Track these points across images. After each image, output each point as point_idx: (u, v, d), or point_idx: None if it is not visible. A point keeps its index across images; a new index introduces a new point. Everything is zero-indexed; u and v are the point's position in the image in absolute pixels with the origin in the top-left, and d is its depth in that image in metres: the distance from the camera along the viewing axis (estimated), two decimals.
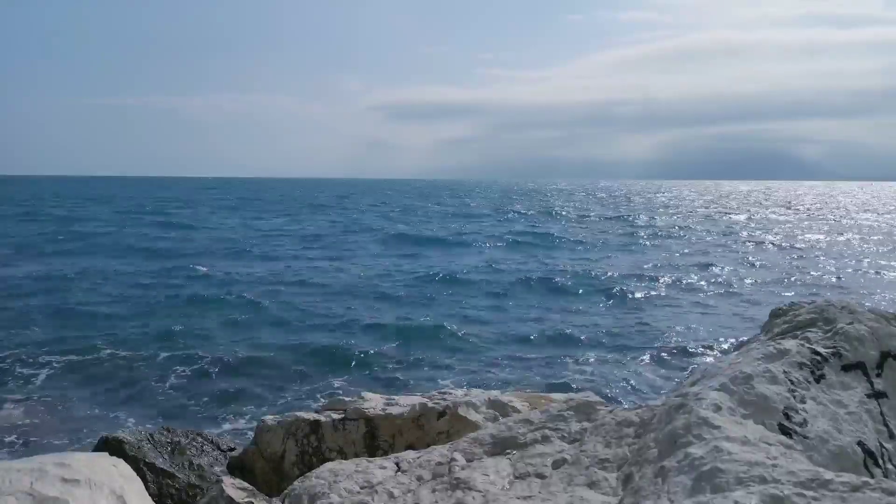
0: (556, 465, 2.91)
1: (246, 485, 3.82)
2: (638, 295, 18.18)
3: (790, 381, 2.88)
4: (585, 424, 3.19)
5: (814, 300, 3.67)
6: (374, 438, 4.44)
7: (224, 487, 3.66)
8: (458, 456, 3.21)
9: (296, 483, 3.37)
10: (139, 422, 8.57)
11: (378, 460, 3.42)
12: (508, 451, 3.17)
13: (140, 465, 4.69)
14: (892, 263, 25.32)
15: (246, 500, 3.57)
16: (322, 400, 9.03)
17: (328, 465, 3.45)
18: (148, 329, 13.55)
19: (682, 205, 73.70)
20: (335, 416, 4.59)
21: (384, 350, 12.37)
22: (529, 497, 2.70)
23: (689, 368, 11.02)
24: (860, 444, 2.69)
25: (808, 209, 66.74)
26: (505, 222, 45.49)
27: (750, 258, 26.59)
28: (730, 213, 56.97)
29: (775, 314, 3.70)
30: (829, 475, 2.07)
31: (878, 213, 59.64)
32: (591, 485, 2.67)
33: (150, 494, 3.34)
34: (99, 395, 9.80)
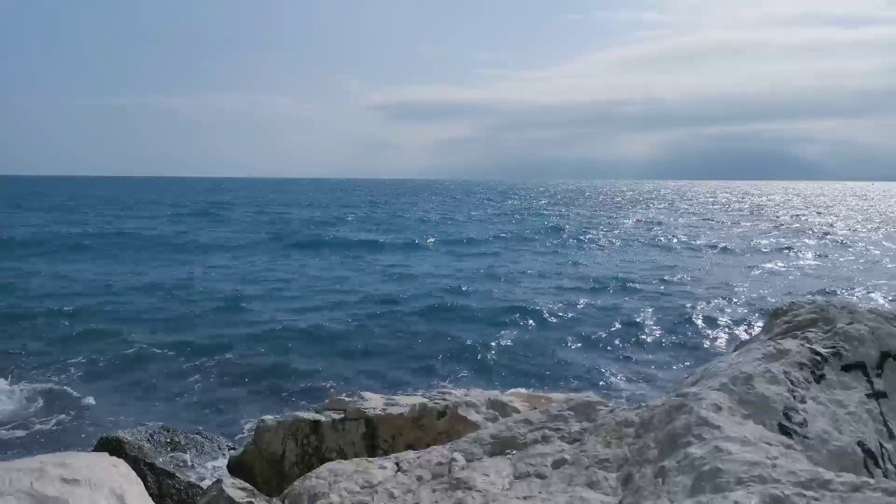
0: (556, 465, 2.91)
1: (246, 485, 3.81)
2: (643, 295, 18.18)
3: (790, 381, 2.87)
4: (585, 424, 3.18)
5: (814, 300, 3.66)
6: (374, 438, 4.44)
7: (224, 487, 3.65)
8: (458, 456, 3.21)
9: (296, 483, 3.37)
10: (139, 422, 8.57)
11: (378, 460, 3.41)
12: (508, 451, 3.17)
13: (140, 465, 4.70)
14: None
15: (246, 500, 3.57)
16: (322, 400, 9.02)
17: (328, 465, 3.45)
18: (147, 330, 13.55)
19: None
20: (335, 416, 4.58)
21: (384, 350, 12.36)
22: (529, 497, 2.69)
23: (690, 368, 11.01)
24: (860, 444, 2.69)
25: None
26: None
27: None
28: None
29: (775, 314, 3.70)
30: (829, 475, 2.07)
31: None
32: (591, 485, 2.67)
33: (150, 494, 3.34)
34: (99, 395, 9.79)
